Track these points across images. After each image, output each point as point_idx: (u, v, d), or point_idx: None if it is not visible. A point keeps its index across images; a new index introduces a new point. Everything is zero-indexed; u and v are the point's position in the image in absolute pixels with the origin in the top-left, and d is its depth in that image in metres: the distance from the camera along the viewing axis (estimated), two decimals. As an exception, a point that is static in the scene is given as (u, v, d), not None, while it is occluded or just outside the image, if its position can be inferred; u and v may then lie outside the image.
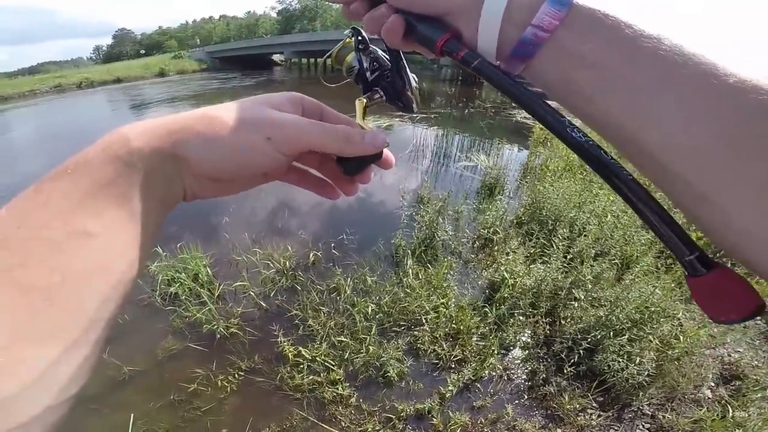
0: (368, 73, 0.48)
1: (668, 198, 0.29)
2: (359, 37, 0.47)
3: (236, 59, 42.97)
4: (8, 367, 0.20)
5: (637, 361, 2.41)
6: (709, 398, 2.41)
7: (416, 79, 0.49)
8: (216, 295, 3.40)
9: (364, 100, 0.47)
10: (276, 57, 46.80)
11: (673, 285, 2.93)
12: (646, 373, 2.37)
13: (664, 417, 2.30)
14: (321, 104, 0.42)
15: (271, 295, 3.42)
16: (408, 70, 0.47)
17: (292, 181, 0.42)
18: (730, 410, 2.22)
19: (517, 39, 0.31)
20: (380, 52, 0.47)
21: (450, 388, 2.49)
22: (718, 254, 2.21)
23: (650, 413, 2.35)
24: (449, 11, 0.34)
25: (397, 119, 9.55)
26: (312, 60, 45.91)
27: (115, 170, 0.27)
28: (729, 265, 0.26)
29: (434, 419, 2.32)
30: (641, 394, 2.38)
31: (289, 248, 4.00)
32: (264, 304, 3.32)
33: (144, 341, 3.03)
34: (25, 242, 0.23)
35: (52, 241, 0.23)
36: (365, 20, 0.38)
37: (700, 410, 2.29)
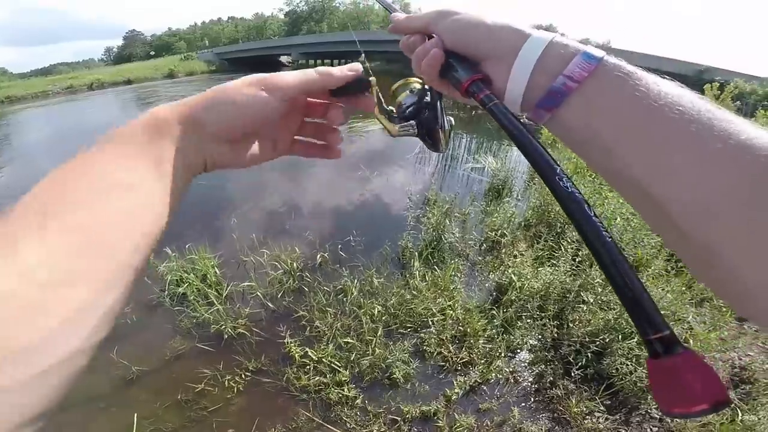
0: (410, 108, 0.52)
1: (677, 254, 0.30)
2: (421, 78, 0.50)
3: (244, 61, 43.25)
4: (45, 305, 0.22)
5: (645, 364, 2.38)
6: None
7: (452, 122, 0.53)
8: (224, 295, 3.42)
9: (393, 129, 0.51)
10: (283, 58, 47.02)
11: (683, 288, 2.90)
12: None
13: (672, 421, 2.27)
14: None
15: (279, 296, 3.44)
16: (443, 110, 0.51)
17: (300, 152, 0.49)
18: (740, 414, 2.18)
19: (546, 87, 0.32)
20: (428, 92, 0.51)
21: (456, 390, 2.48)
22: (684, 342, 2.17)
23: (658, 417, 2.32)
24: (489, 56, 0.37)
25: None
26: (319, 61, 46.13)
27: (149, 137, 0.32)
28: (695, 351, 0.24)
29: (440, 421, 2.31)
30: (650, 397, 2.35)
31: (297, 249, 4.01)
32: (271, 305, 3.34)
33: (152, 341, 3.06)
34: (75, 192, 0.26)
35: (98, 190, 0.27)
36: (416, 53, 0.42)
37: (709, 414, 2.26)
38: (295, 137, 0.48)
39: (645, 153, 0.28)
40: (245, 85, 0.38)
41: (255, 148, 0.42)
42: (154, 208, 0.30)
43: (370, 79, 0.45)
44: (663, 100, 0.28)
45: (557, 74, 0.32)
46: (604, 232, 0.27)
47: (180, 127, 0.34)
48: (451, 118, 0.54)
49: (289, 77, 0.39)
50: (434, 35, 0.41)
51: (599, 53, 0.31)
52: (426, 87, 0.51)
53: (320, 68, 0.41)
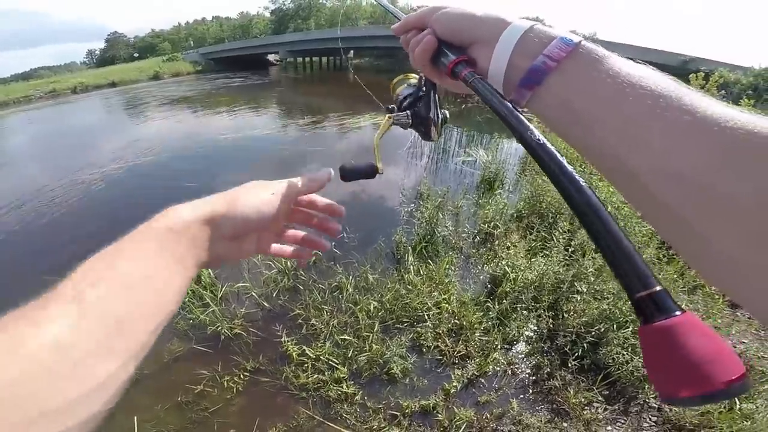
0: (407, 100, 0.57)
1: (654, 227, 0.30)
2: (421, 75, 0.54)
3: (231, 60, 42.80)
4: (79, 374, 0.26)
5: (641, 353, 2.40)
6: None
7: (447, 115, 0.58)
8: (219, 296, 3.40)
9: (391, 118, 0.55)
10: (271, 57, 46.61)
11: (675, 276, 2.94)
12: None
13: (671, 410, 2.29)
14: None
15: (274, 296, 3.42)
16: (438, 101, 0.55)
17: (285, 254, 0.56)
18: (738, 402, 2.19)
19: (526, 68, 0.35)
20: (423, 82, 0.55)
21: (454, 383, 2.49)
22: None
23: (656, 406, 2.35)
24: (474, 41, 0.41)
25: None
26: (307, 59, 45.77)
27: (174, 238, 0.37)
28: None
29: (439, 415, 2.32)
30: (647, 387, 2.38)
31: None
32: (267, 305, 3.32)
33: (148, 344, 3.03)
34: (111, 281, 0.31)
35: (130, 283, 0.32)
36: (411, 43, 0.47)
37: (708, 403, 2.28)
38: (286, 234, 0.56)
39: (619, 126, 0.29)
40: (258, 191, 0.46)
41: (249, 242, 0.48)
42: (170, 298, 0.35)
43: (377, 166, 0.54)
44: (634, 79, 0.29)
45: (537, 55, 0.34)
46: (578, 179, 0.27)
47: (199, 230, 0.40)
48: (446, 111, 0.57)
49: (291, 184, 0.48)
50: (427, 27, 0.45)
51: (576, 38, 0.34)
52: (421, 78, 0.55)
53: (309, 176, 0.50)
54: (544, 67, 0.34)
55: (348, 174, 0.53)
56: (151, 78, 36.91)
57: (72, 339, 0.26)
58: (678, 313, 0.21)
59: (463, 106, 10.43)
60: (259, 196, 0.45)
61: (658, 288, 0.22)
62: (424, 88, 0.55)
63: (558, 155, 0.29)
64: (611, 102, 0.30)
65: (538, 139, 0.30)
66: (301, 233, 0.57)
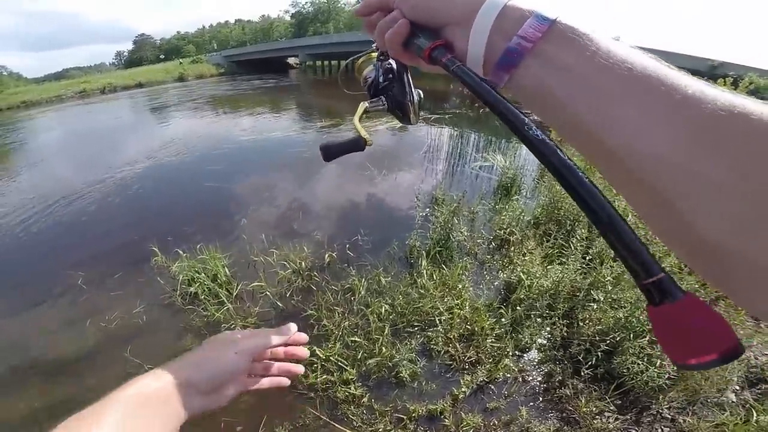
0: (379, 82, 0.55)
1: (633, 208, 0.30)
2: (381, 51, 0.53)
3: (252, 63, 43.56)
4: None
5: (658, 363, 2.34)
6: (733, 402, 2.31)
7: (421, 95, 0.56)
8: (234, 294, 3.46)
9: (366, 104, 0.54)
10: (291, 60, 47.28)
11: (697, 286, 2.85)
12: (666, 376, 2.30)
13: (684, 421, 2.22)
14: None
15: (287, 295, 3.46)
16: (412, 85, 0.53)
17: (263, 387, 0.62)
18: (755, 414, 2.13)
19: (503, 49, 0.33)
20: (394, 65, 0.53)
21: (463, 389, 2.47)
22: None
23: (670, 417, 2.28)
24: (448, 22, 0.38)
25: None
26: (326, 62, 46.22)
27: (144, 403, 0.42)
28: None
29: (446, 420, 2.31)
30: (661, 397, 2.31)
31: (305, 249, 4.04)
32: (280, 304, 3.36)
33: (164, 340, 3.12)
34: None
35: None
36: (378, 26, 0.44)
37: (723, 414, 2.20)
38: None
39: (597, 106, 0.29)
40: (224, 349, 0.53)
41: (223, 393, 0.53)
42: None
43: (357, 137, 0.51)
44: (613, 59, 0.29)
45: (513, 35, 0.33)
46: (580, 174, 0.27)
47: (168, 393, 0.45)
48: (420, 91, 0.55)
49: (254, 340, 0.56)
50: (394, 8, 0.42)
51: (552, 14, 0.32)
52: (391, 61, 0.53)
53: (272, 331, 0.60)
54: (520, 49, 0.33)
55: (331, 152, 0.50)
56: (176, 79, 37.88)
57: None
58: (680, 296, 0.23)
59: (481, 110, 10.36)
60: (226, 356, 0.52)
61: (661, 275, 0.24)
62: (394, 70, 0.53)
63: (558, 150, 0.29)
64: (588, 80, 0.29)
65: (537, 135, 0.30)
66: (273, 364, 0.63)
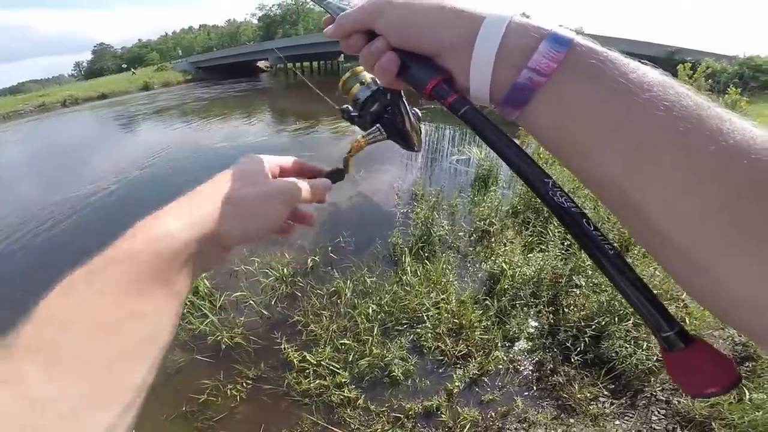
0: (369, 105, 0.49)
1: (663, 267, 0.28)
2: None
3: (221, 68, 42.69)
4: (77, 430, 0.23)
5: (645, 345, 2.40)
6: None
7: (419, 114, 0.50)
8: (217, 306, 3.39)
9: (362, 142, 0.49)
10: (261, 63, 46.53)
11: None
12: (654, 358, 2.35)
13: (679, 402, 2.27)
14: (298, 161, 0.50)
15: (272, 303, 3.41)
16: (407, 106, 0.47)
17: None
18: (747, 392, 2.16)
19: (510, 83, 0.29)
20: (385, 91, 0.48)
21: (457, 383, 2.49)
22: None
23: (664, 399, 2.33)
24: (439, 52, 0.33)
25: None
26: (298, 64, 45.76)
27: (165, 263, 0.30)
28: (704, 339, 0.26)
29: (443, 416, 2.32)
30: (653, 379, 2.37)
31: (287, 255, 3.99)
32: (266, 312, 3.31)
33: (148, 357, 3.02)
34: (87, 325, 0.26)
35: (108, 324, 0.26)
36: (362, 55, 0.38)
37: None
38: None
39: (627, 156, 0.25)
40: (266, 201, 0.39)
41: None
42: (167, 329, 0.31)
43: (340, 168, 0.51)
44: (647, 94, 0.24)
45: (521, 67, 0.28)
46: (606, 244, 0.26)
47: (202, 245, 0.33)
48: (417, 110, 0.51)
49: (295, 192, 0.42)
50: (377, 33, 0.36)
51: (567, 35, 0.27)
52: (379, 85, 0.48)
53: (313, 186, 0.46)
54: (531, 84, 0.28)
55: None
56: (141, 89, 36.71)
57: (52, 393, 0.23)
58: (690, 344, 0.25)
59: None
60: (274, 209, 0.40)
61: (675, 329, 0.25)
62: (386, 96, 0.48)
63: (584, 221, 0.27)
64: (615, 124, 0.25)
65: (562, 204, 0.27)
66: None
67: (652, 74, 0.26)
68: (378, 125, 0.48)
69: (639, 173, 0.24)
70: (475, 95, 0.32)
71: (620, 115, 0.25)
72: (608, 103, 0.25)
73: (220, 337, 3.00)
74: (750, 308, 0.22)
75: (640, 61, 0.27)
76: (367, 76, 0.50)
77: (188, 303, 3.33)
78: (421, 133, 0.52)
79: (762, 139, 0.22)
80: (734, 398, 2.17)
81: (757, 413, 2.07)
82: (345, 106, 0.52)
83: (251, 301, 3.41)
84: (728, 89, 7.53)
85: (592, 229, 0.26)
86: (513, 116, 0.31)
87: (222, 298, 3.46)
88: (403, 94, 0.46)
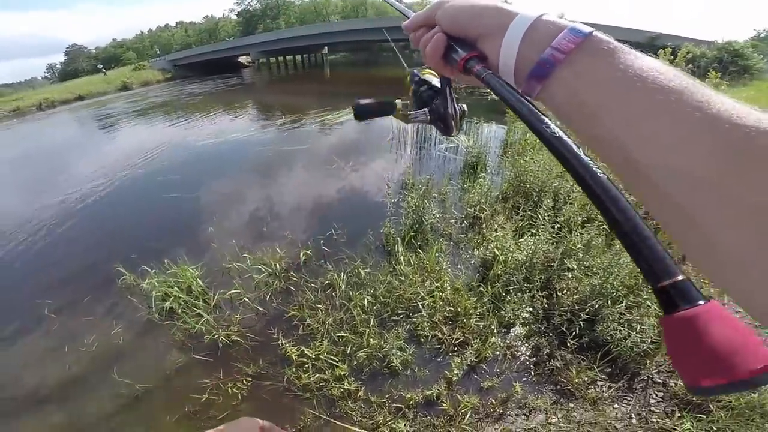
0: (424, 95, 0.60)
1: (661, 224, 0.29)
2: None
3: (201, 65, 41.84)
4: None
5: (638, 328, 2.43)
6: None
7: (465, 109, 0.59)
8: (212, 304, 3.36)
9: (407, 116, 0.59)
10: (243, 59, 45.77)
11: (666, 245, 2.98)
12: (649, 340, 2.38)
13: (676, 384, 2.31)
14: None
15: (267, 299, 3.39)
16: (454, 97, 0.57)
17: None
18: None
19: (535, 60, 0.34)
20: (434, 80, 0.58)
21: (455, 371, 2.51)
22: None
23: (661, 381, 2.37)
24: (482, 34, 0.40)
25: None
26: (281, 58, 45.08)
27: None
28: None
29: (444, 404, 2.34)
30: (648, 362, 2.40)
31: (279, 250, 3.96)
32: (261, 309, 3.29)
33: (149, 357, 3.01)
34: None
35: None
36: (422, 42, 0.47)
37: None
38: None
39: (628, 120, 0.29)
40: None
41: None
42: None
43: (396, 101, 0.59)
44: (646, 73, 0.29)
45: (546, 47, 0.33)
46: (595, 168, 0.26)
47: None
48: (464, 105, 0.59)
49: None
50: (436, 24, 0.45)
51: (587, 29, 0.33)
52: (435, 75, 0.58)
53: None
54: (552, 59, 0.33)
55: (362, 111, 0.58)
56: (120, 89, 35.84)
57: None
58: (702, 302, 0.20)
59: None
60: None
61: (680, 277, 0.21)
62: (438, 85, 0.56)
63: (575, 146, 0.28)
64: (620, 94, 0.29)
65: (555, 133, 0.29)
66: None
67: (654, 61, 0.30)
68: (425, 109, 0.57)
69: (638, 135, 0.28)
70: (503, 70, 0.38)
71: (624, 87, 0.29)
72: (614, 78, 0.30)
73: (216, 335, 2.98)
74: (740, 269, 0.23)
75: (645, 53, 0.32)
76: (428, 75, 0.61)
77: (182, 302, 3.30)
78: (461, 123, 0.60)
79: (744, 110, 0.25)
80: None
81: (754, 394, 2.08)
82: (404, 98, 0.63)
83: (245, 298, 3.38)
84: (708, 73, 7.65)
85: (583, 155, 0.28)
86: (536, 91, 0.35)
87: (216, 297, 3.43)
88: (451, 84, 0.55)
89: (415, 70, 0.63)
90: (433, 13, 0.45)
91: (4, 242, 5.64)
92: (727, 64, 14.51)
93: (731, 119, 0.24)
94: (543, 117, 0.31)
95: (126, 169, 8.37)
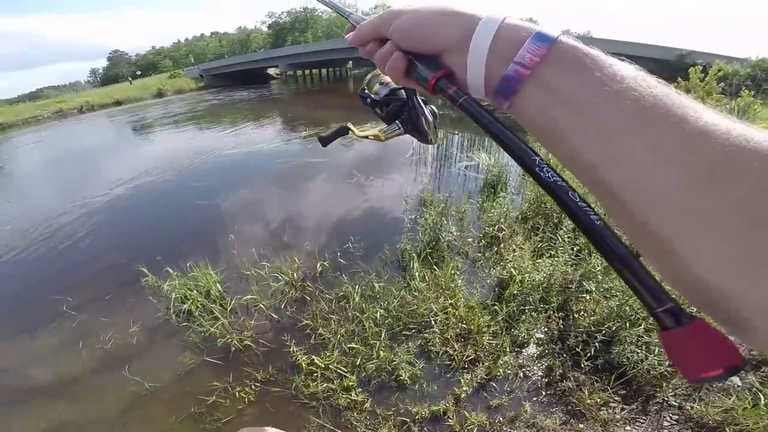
0: (388, 106, 0.58)
1: (634, 244, 0.29)
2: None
3: (232, 75, 43.17)
4: None
5: (656, 351, 2.37)
6: (738, 386, 2.30)
7: (435, 111, 0.57)
8: (228, 309, 3.44)
9: (381, 136, 0.58)
10: (271, 71, 47.02)
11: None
12: (667, 362, 2.31)
13: (692, 408, 2.23)
14: None
15: (282, 307, 3.45)
16: (422, 104, 0.55)
17: None
18: (762, 398, 2.11)
19: (500, 76, 0.32)
20: (401, 90, 0.56)
21: (464, 388, 2.49)
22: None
23: (677, 404, 2.29)
24: (442, 49, 0.36)
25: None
26: (307, 71, 46.15)
27: None
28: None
29: (450, 420, 2.32)
30: (665, 385, 2.33)
31: (296, 260, 4.03)
32: (275, 316, 3.35)
33: (162, 357, 3.09)
34: None
35: None
36: (375, 58, 0.43)
37: (730, 399, 2.18)
38: None
39: (600, 139, 0.27)
40: None
41: None
42: None
43: (347, 125, 0.60)
44: (618, 85, 0.27)
45: (511, 59, 0.31)
46: (592, 216, 0.27)
47: None
48: (434, 107, 0.57)
49: None
50: (388, 38, 0.41)
51: (551, 34, 0.30)
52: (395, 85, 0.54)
53: None
54: (517, 76, 0.31)
55: (323, 140, 0.63)
56: (155, 95, 37.31)
57: None
58: (687, 321, 0.24)
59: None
60: None
61: (670, 305, 0.24)
62: (403, 95, 0.55)
63: (571, 193, 0.28)
64: (591, 111, 0.28)
65: (549, 177, 0.29)
66: None
67: (626, 69, 0.28)
68: (397, 121, 0.56)
69: (609, 153, 0.27)
70: (473, 88, 0.35)
71: (595, 103, 0.28)
72: (584, 92, 0.28)
73: (230, 339, 3.04)
74: (715, 293, 0.24)
75: (619, 59, 0.30)
76: (387, 78, 0.57)
77: (200, 305, 3.39)
78: (436, 128, 0.59)
79: (724, 126, 0.24)
80: (749, 403, 2.12)
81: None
82: (361, 89, 0.61)
83: (261, 305, 3.45)
84: (741, 92, 7.40)
85: (578, 200, 0.28)
86: (504, 107, 0.34)
87: (233, 302, 3.51)
88: (417, 92, 0.53)
89: (365, 87, 0.60)
90: (382, 28, 0.41)
91: (33, 238, 5.92)
92: (761, 81, 13.95)
93: (708, 136, 0.24)
94: (535, 156, 0.30)
95: (155, 174, 8.68)
